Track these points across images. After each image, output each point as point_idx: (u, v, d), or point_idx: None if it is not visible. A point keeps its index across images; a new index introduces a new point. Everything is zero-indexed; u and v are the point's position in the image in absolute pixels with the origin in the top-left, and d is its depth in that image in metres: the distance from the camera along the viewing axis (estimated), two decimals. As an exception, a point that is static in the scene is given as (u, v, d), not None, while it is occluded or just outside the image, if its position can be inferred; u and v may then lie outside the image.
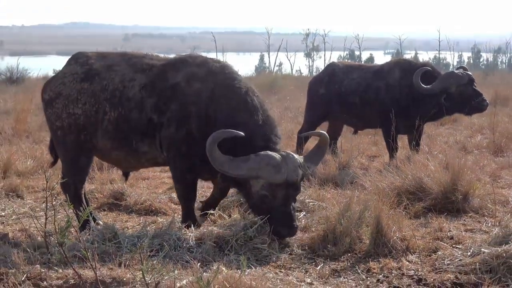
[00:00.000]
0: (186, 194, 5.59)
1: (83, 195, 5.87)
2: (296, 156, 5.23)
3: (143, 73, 5.63)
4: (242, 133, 5.08)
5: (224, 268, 4.01)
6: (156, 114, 5.48)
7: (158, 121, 5.48)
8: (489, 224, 5.66)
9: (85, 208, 5.66)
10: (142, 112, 5.51)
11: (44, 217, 4.43)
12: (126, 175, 6.29)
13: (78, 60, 5.88)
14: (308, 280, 4.37)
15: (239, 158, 5.04)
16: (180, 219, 5.62)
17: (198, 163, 5.45)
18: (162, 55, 6.09)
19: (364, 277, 4.49)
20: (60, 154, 5.95)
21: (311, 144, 8.99)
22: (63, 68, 5.96)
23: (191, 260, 4.37)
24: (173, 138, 5.44)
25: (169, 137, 5.45)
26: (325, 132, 5.80)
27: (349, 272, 4.58)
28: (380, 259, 4.75)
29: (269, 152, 5.10)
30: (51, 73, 28.33)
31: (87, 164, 5.83)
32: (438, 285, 4.28)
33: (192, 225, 5.35)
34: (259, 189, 5.10)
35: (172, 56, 6.22)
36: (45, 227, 4.48)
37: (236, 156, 5.06)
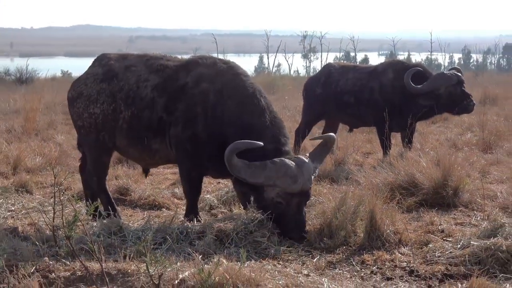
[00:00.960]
0: (191, 190, 5.66)
1: (106, 185, 6.02)
2: (309, 161, 5.24)
3: (156, 74, 5.70)
4: (261, 143, 5.06)
5: (224, 260, 4.02)
6: (166, 113, 5.55)
7: (167, 120, 5.55)
8: (478, 218, 5.72)
9: (108, 197, 5.89)
10: (153, 111, 5.59)
11: (52, 211, 4.48)
12: (145, 171, 6.36)
13: (101, 61, 5.98)
14: (305, 272, 4.40)
15: (255, 165, 5.03)
16: (183, 213, 5.71)
17: (205, 163, 5.53)
18: (180, 57, 6.10)
19: (359, 269, 4.54)
20: (85, 150, 6.12)
21: (308, 141, 9.08)
22: (87, 69, 6.06)
23: (193, 252, 4.37)
24: (180, 137, 5.51)
25: (176, 136, 5.53)
26: (333, 134, 5.81)
27: (344, 264, 4.63)
28: (374, 252, 4.81)
29: (286, 161, 5.08)
30: (59, 74, 28.26)
31: (109, 160, 6.09)
32: (429, 276, 4.33)
33: (194, 219, 5.43)
34: (274, 196, 5.12)
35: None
36: (53, 221, 4.50)
37: (247, 157, 5.06)
